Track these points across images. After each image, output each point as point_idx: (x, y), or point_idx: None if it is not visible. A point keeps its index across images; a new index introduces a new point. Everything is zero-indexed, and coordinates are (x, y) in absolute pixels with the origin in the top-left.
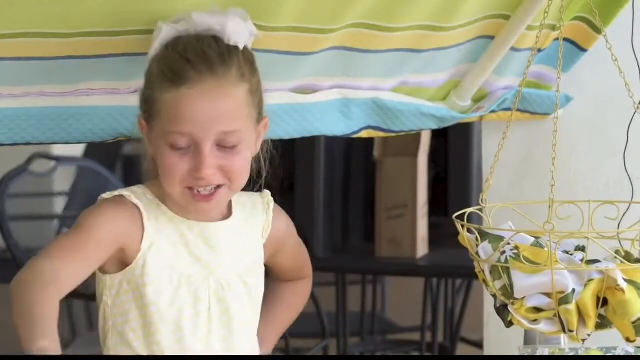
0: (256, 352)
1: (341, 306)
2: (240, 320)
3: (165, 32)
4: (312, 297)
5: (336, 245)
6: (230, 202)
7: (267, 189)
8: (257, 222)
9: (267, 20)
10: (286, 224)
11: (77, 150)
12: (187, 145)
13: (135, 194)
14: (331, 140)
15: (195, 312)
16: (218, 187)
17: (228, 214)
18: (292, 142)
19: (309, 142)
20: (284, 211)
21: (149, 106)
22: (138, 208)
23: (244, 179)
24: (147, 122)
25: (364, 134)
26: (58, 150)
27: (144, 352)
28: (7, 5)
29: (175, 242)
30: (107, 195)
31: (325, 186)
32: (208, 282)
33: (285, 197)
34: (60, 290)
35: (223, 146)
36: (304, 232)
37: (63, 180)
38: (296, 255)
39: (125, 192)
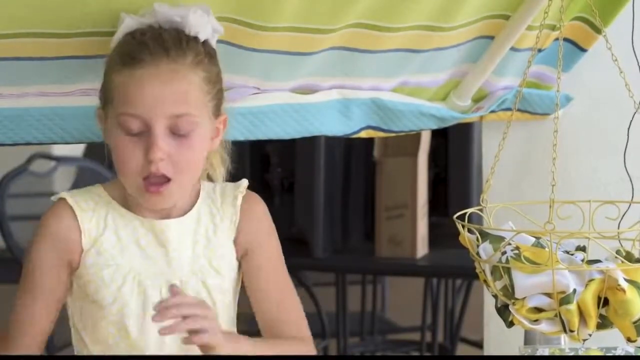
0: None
1: (341, 306)
2: None
3: (127, 23)
4: (312, 297)
5: (336, 245)
6: (199, 195)
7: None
8: (225, 216)
9: (267, 20)
10: (259, 214)
11: (77, 150)
12: (140, 129)
13: (81, 195)
14: (331, 140)
15: (144, 311)
16: (167, 181)
17: (188, 209)
18: (292, 142)
19: (309, 142)
20: (263, 205)
21: (104, 92)
22: (73, 211)
23: (193, 173)
24: (103, 110)
25: (363, 134)
26: (58, 150)
27: (95, 351)
28: (7, 5)
29: (124, 239)
30: (54, 197)
31: (325, 186)
32: (159, 281)
33: (285, 197)
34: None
35: (176, 133)
36: (304, 232)
37: (63, 180)
38: (274, 268)
39: (66, 193)
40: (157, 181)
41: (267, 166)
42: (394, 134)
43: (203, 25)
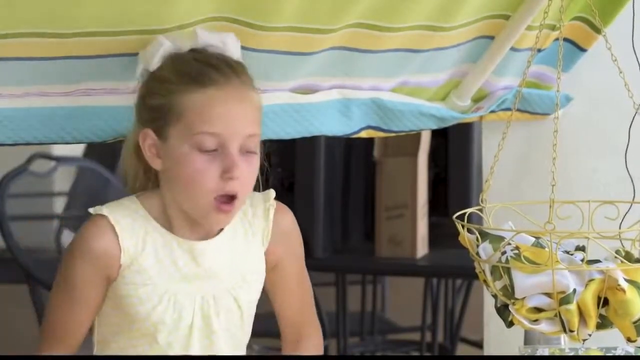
0: None
1: (341, 306)
2: (223, 332)
3: (166, 47)
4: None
5: (336, 245)
6: None
7: (266, 189)
8: (257, 230)
9: (267, 20)
10: (290, 226)
11: (77, 150)
12: (214, 147)
13: (120, 211)
14: (331, 140)
15: (175, 328)
16: (234, 199)
17: (222, 228)
18: (292, 142)
19: (309, 142)
20: (291, 214)
21: (161, 114)
22: (114, 229)
23: (251, 189)
24: (156, 132)
25: (364, 134)
26: (58, 150)
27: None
28: (7, 5)
29: (163, 259)
30: (92, 210)
31: (325, 186)
32: (194, 300)
33: (285, 197)
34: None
35: (245, 151)
36: (304, 232)
37: (63, 180)
38: (299, 278)
39: (107, 210)
40: (227, 200)
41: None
42: (394, 134)
43: (237, 52)
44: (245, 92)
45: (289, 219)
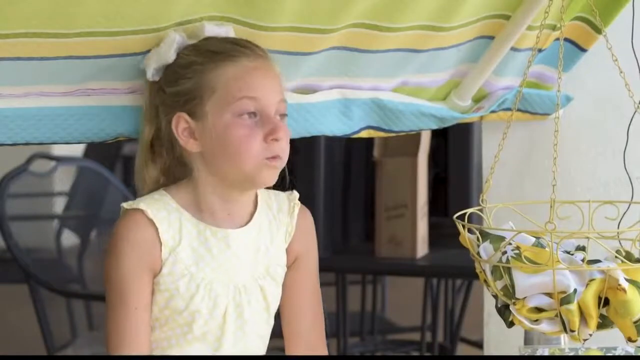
0: (264, 352)
1: (341, 306)
2: (253, 322)
3: (179, 40)
4: None
5: (336, 245)
6: (256, 203)
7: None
8: (281, 225)
9: (267, 20)
10: (310, 227)
11: (77, 150)
12: (254, 111)
13: (154, 205)
14: (331, 140)
15: (211, 317)
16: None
17: (250, 217)
18: (292, 142)
19: (309, 142)
20: (312, 218)
21: (194, 94)
22: (153, 222)
23: (287, 154)
24: (189, 114)
25: (364, 134)
26: (58, 150)
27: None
28: (7, 5)
29: (197, 249)
30: (127, 205)
31: (325, 186)
32: (228, 288)
33: None
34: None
35: (279, 114)
36: None
37: (63, 180)
38: (313, 282)
39: (143, 204)
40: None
41: None
42: (394, 134)
43: None
44: (270, 62)
45: (310, 221)
